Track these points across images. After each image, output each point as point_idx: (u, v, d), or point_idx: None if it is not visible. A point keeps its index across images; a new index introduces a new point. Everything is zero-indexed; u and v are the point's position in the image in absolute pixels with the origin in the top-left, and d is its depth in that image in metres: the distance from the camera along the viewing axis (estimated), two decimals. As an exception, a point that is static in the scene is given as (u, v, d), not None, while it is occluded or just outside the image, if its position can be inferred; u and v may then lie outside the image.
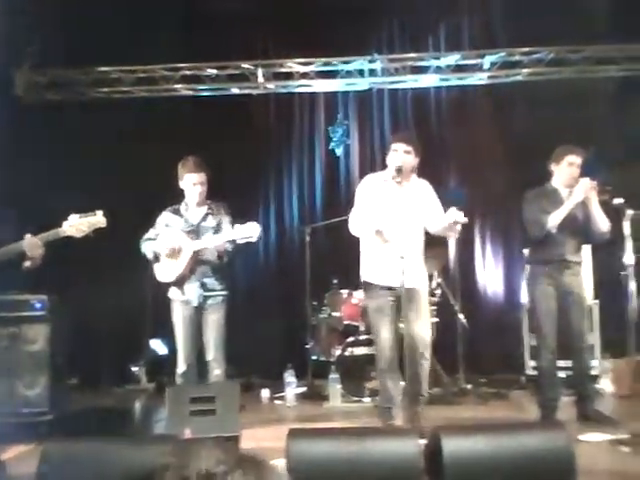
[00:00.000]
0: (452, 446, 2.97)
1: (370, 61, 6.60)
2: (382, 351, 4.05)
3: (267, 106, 6.78)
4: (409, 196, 4.11)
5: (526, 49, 6.49)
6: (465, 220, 3.82)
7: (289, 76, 6.62)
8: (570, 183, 4.35)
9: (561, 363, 4.60)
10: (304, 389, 5.60)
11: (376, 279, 4.09)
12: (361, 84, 6.73)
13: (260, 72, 6.50)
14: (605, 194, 4.22)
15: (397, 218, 3.97)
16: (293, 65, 6.55)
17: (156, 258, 4.39)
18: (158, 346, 6.28)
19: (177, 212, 4.48)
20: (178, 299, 4.39)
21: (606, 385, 5.38)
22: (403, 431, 3.42)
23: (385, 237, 3.99)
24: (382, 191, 4.10)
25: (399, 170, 4.00)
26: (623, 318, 4.11)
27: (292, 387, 5.36)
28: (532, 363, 5.62)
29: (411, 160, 4.09)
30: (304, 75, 6.60)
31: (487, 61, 6.61)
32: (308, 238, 5.92)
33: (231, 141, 6.30)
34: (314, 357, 5.75)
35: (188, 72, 6.51)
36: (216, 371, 4.31)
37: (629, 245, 4.02)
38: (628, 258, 4.01)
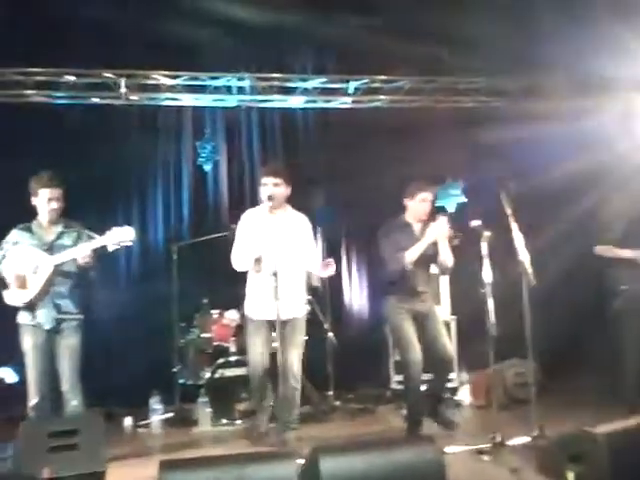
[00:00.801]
0: (329, 465, 2.99)
1: (239, 78, 6.57)
2: (254, 373, 4.20)
3: (131, 118, 6.47)
4: (285, 226, 4.33)
5: (385, 77, 6.80)
6: (333, 272, 4.28)
7: (155, 88, 6.39)
8: (422, 218, 4.68)
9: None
10: (171, 415, 5.36)
11: (258, 314, 4.29)
12: (229, 101, 6.67)
13: (123, 82, 6.21)
14: (455, 239, 4.55)
15: (274, 247, 4.10)
16: (159, 77, 6.33)
17: (3, 283, 4.01)
18: (8, 374, 5.71)
19: (29, 230, 4.14)
20: (29, 324, 4.03)
21: (464, 396, 5.71)
22: (278, 454, 3.38)
23: (262, 265, 4.16)
24: (260, 224, 4.32)
25: (271, 198, 4.26)
26: (481, 332, 4.36)
27: (158, 414, 5.11)
28: (397, 377, 5.81)
29: (282, 191, 4.36)
30: (171, 88, 6.41)
31: (351, 86, 6.85)
32: (175, 257, 5.71)
33: (90, 154, 5.94)
34: (182, 381, 5.52)
35: (43, 78, 6.06)
36: (73, 402, 4.00)
37: (487, 264, 4.28)
38: (486, 276, 4.27)
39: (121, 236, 3.86)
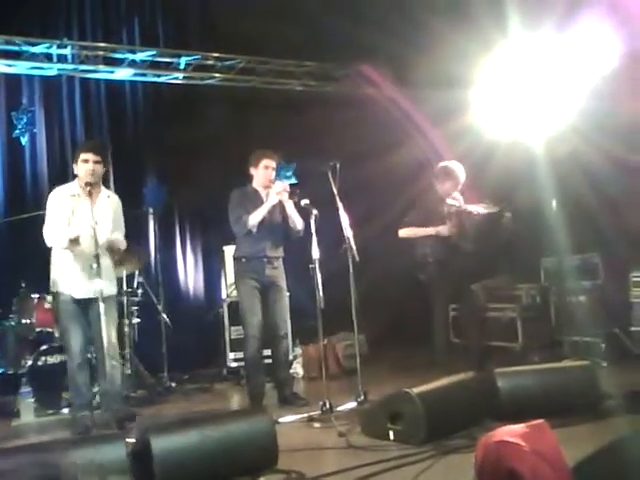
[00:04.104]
0: (161, 443, 2.97)
1: (59, 46, 6.13)
2: (73, 355, 4.11)
3: None
4: (102, 206, 4.26)
5: (218, 54, 6.74)
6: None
7: (-38, 51, 5.77)
8: (267, 184, 4.76)
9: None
10: (-13, 408, 4.92)
11: (68, 290, 4.16)
12: (49, 69, 6.20)
13: None
14: (294, 196, 4.66)
15: (88, 229, 4.00)
16: (-34, 39, 5.72)
17: None
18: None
19: None
20: None
21: (298, 369, 5.90)
22: (106, 436, 3.28)
23: (79, 244, 4.07)
24: (76, 202, 4.20)
25: (94, 175, 4.18)
26: (313, 307, 4.51)
27: (-29, 407, 4.68)
28: (233, 355, 5.85)
29: (100, 169, 4.27)
30: (-20, 52, 5.82)
31: (183, 61, 6.69)
32: (-13, 237, 5.23)
33: None
34: (0, 370, 5.08)
35: None
36: None
37: (315, 241, 4.43)
38: (315, 252, 4.42)
39: None
